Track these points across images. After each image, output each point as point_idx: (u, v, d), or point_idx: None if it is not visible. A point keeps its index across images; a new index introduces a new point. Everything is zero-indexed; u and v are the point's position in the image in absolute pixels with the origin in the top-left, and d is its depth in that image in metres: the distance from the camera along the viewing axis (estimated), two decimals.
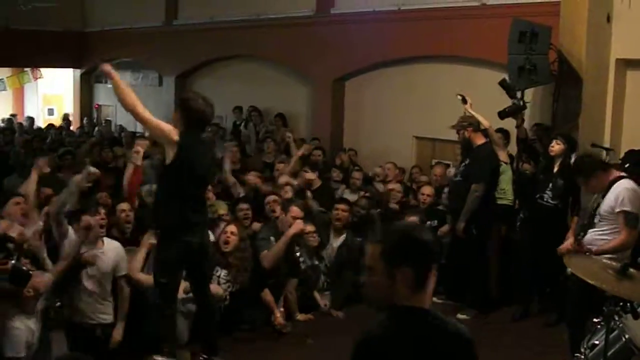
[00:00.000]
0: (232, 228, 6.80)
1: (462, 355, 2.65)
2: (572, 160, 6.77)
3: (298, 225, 7.07)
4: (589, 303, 5.13)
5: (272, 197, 7.77)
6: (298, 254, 7.37)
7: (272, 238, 7.13)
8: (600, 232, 5.64)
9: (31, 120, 18.40)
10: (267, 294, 6.99)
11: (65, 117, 18.38)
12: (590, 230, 5.70)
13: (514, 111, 7.71)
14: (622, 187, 5.50)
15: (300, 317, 7.31)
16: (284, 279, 7.19)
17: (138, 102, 5.35)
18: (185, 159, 5.30)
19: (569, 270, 5.65)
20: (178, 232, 5.45)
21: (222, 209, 7.52)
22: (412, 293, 2.57)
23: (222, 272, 6.72)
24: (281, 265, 7.10)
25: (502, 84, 8.07)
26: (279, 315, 6.94)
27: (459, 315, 7.47)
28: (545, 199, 7.22)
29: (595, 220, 5.68)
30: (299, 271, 7.33)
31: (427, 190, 8.58)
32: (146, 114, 5.39)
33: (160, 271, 5.59)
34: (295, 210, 7.40)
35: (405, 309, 2.58)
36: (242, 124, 13.76)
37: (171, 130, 5.34)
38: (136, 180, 7.53)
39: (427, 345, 2.55)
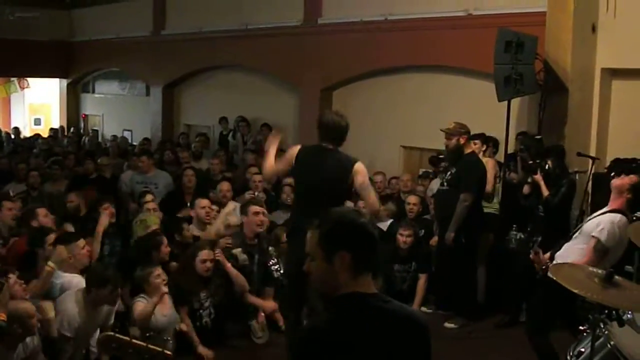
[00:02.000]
0: (206, 255, 6.70)
1: (412, 338, 2.61)
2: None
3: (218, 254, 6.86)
4: (558, 311, 5.17)
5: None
6: (274, 260, 7.36)
7: (233, 252, 7.06)
8: (574, 247, 5.60)
9: (17, 130, 18.35)
10: (250, 297, 6.98)
11: (53, 131, 18.31)
12: (566, 244, 5.68)
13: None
14: (608, 219, 5.44)
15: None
16: (259, 287, 7.16)
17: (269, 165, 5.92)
18: (296, 171, 5.84)
19: (538, 275, 5.67)
20: (290, 236, 5.98)
21: (154, 223, 7.44)
22: (352, 278, 2.56)
23: (202, 293, 6.71)
24: (254, 274, 7.10)
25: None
26: (261, 319, 6.99)
27: (447, 324, 7.49)
28: (540, 210, 7.27)
29: (576, 234, 5.69)
30: (271, 279, 7.28)
31: (413, 199, 8.59)
32: (273, 168, 5.93)
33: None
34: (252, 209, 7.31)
35: (346, 296, 2.56)
36: (229, 134, 13.75)
37: (291, 155, 5.84)
38: None
39: (373, 329, 2.52)
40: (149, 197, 8.41)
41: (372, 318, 2.54)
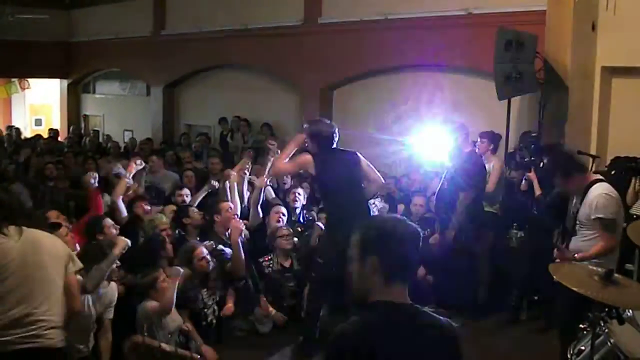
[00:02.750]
0: (202, 252, 6.70)
1: (442, 350, 2.64)
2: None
3: (236, 225, 6.98)
4: (580, 309, 5.16)
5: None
6: (269, 256, 7.38)
7: (220, 247, 7.11)
8: (583, 239, 5.63)
9: (17, 130, 18.32)
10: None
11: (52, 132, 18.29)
12: (573, 238, 5.71)
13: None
14: (596, 194, 5.45)
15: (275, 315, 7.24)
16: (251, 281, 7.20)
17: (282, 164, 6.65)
18: (324, 175, 6.44)
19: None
20: (331, 230, 6.49)
21: (163, 223, 7.47)
22: (384, 285, 2.60)
23: (203, 292, 6.72)
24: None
25: None
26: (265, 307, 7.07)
27: None
28: (534, 209, 7.28)
29: (577, 228, 5.69)
30: (262, 274, 7.32)
31: (420, 200, 8.56)
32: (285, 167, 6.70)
33: None
34: (224, 205, 7.39)
35: (377, 303, 2.60)
36: (229, 134, 13.74)
37: (305, 162, 6.49)
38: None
39: (401, 339, 2.54)
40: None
41: (401, 328, 2.58)
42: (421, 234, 2.70)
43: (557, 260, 5.73)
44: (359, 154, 6.57)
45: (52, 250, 4.20)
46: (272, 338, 6.98)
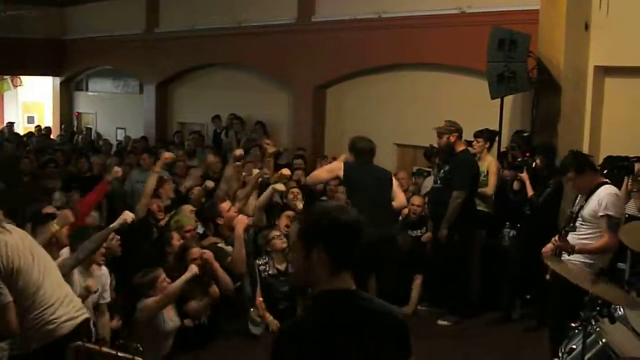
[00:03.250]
0: (195, 253, 6.61)
1: (392, 335, 2.59)
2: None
3: (242, 219, 6.73)
4: (571, 308, 5.17)
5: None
6: (264, 259, 7.34)
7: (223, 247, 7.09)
8: (582, 236, 5.67)
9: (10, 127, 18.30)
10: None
11: (40, 129, 18.23)
12: (571, 233, 5.73)
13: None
14: (606, 192, 5.58)
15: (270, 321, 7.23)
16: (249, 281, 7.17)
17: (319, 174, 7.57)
18: (353, 182, 7.04)
19: (548, 276, 5.75)
20: None
21: (190, 223, 7.45)
22: (330, 275, 2.52)
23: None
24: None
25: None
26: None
27: (440, 322, 7.51)
28: (527, 208, 7.29)
29: (577, 224, 5.72)
30: (255, 278, 7.25)
31: (417, 200, 8.50)
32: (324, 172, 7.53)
33: None
34: (224, 206, 7.29)
35: (324, 293, 2.53)
36: (222, 132, 13.72)
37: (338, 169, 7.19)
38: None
39: (353, 327, 2.49)
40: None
41: (349, 315, 2.51)
42: (361, 219, 2.61)
43: (547, 250, 5.77)
44: (392, 174, 7.52)
45: (34, 241, 4.36)
46: (264, 340, 6.90)
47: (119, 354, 3.54)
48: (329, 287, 2.53)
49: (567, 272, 4.04)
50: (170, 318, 6.12)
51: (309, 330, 2.48)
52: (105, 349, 3.59)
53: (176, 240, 6.82)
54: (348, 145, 7.37)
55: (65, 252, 5.65)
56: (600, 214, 5.51)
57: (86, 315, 4.35)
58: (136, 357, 3.54)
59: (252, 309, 7.04)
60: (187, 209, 8.01)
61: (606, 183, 5.74)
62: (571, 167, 5.82)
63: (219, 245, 7.02)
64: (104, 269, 6.06)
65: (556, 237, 5.73)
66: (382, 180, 7.15)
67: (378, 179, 7.12)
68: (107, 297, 6.02)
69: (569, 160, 5.96)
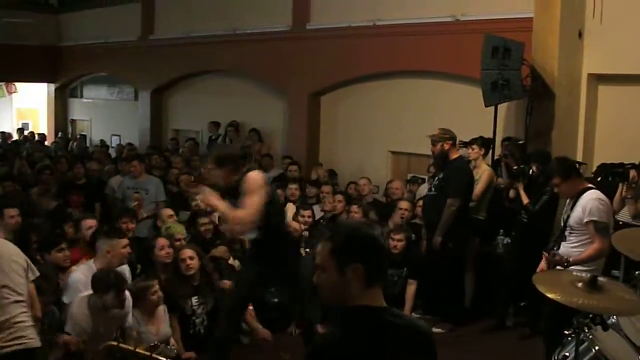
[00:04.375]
0: (188, 253, 6.70)
1: (420, 351, 2.64)
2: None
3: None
4: (565, 315, 5.17)
5: None
6: None
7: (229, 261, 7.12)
8: (572, 245, 5.69)
9: (3, 135, 18.28)
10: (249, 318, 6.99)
11: (34, 135, 18.22)
12: (563, 244, 5.75)
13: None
14: (589, 198, 5.61)
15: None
16: None
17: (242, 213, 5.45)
18: None
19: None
20: None
21: (180, 232, 7.48)
22: (364, 290, 2.56)
23: (193, 299, 6.70)
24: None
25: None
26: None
27: (434, 329, 7.47)
28: (522, 215, 7.30)
29: (566, 233, 5.74)
30: None
31: (405, 204, 8.58)
32: (250, 211, 5.43)
33: None
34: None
35: (358, 309, 2.57)
36: (218, 138, 13.70)
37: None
38: None
39: (383, 343, 2.52)
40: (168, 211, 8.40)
41: (384, 333, 2.55)
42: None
43: (542, 268, 5.77)
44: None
45: (13, 255, 4.34)
46: (253, 349, 6.94)
47: (154, 355, 3.54)
48: (362, 303, 2.57)
49: (555, 290, 4.02)
50: (152, 332, 6.08)
51: (343, 349, 2.49)
52: (139, 350, 3.59)
53: (159, 249, 6.82)
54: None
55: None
56: (586, 220, 5.55)
57: (24, 346, 4.19)
58: None
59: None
60: (167, 213, 8.04)
61: (590, 188, 5.75)
62: (556, 173, 5.87)
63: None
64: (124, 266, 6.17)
65: (545, 254, 5.74)
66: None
67: None
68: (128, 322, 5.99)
69: (554, 166, 6.02)
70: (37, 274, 4.71)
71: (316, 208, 9.32)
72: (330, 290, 2.62)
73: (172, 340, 6.32)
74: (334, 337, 2.59)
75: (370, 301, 2.58)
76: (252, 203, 5.34)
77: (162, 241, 6.88)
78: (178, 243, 7.24)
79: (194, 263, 6.65)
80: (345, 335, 2.54)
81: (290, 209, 9.00)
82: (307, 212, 8.78)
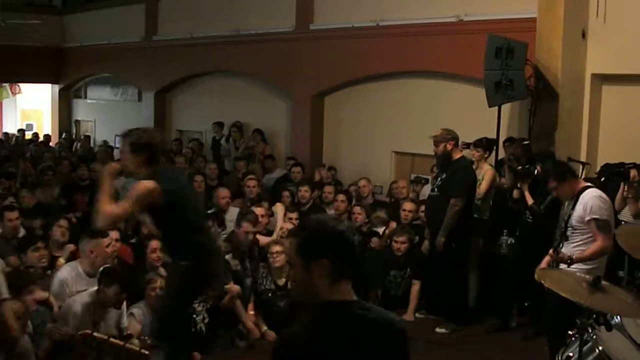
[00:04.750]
0: None
1: (391, 344, 2.61)
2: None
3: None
4: (568, 315, 5.17)
5: None
6: (262, 274, 7.34)
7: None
8: (575, 244, 5.70)
9: (7, 135, 18.34)
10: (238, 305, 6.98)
11: (37, 137, 18.26)
12: (565, 243, 5.77)
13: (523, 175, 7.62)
14: (590, 196, 5.64)
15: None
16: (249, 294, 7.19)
17: (109, 208, 4.88)
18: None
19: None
20: None
21: None
22: (331, 286, 2.55)
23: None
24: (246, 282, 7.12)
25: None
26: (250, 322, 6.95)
27: (438, 329, 7.49)
28: (527, 215, 7.29)
29: (568, 233, 5.75)
30: (255, 292, 7.30)
31: (409, 206, 8.58)
32: (116, 210, 4.89)
33: None
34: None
35: (325, 304, 2.55)
36: (222, 138, 13.71)
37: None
38: None
39: (352, 337, 2.51)
40: None
41: (351, 326, 2.53)
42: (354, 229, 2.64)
43: (544, 265, 5.78)
44: None
45: None
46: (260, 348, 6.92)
47: (127, 345, 3.55)
48: (330, 298, 2.56)
49: (560, 286, 4.03)
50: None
51: (306, 341, 2.49)
52: (113, 340, 3.60)
53: (151, 252, 6.80)
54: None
55: None
56: (587, 218, 5.58)
57: None
58: (142, 350, 3.54)
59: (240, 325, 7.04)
60: None
61: (589, 187, 5.77)
62: (552, 177, 5.90)
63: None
64: None
65: (551, 252, 5.76)
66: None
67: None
68: (123, 323, 6.06)
69: (549, 170, 6.05)
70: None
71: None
72: (299, 286, 2.63)
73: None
74: (300, 330, 2.58)
75: (339, 295, 2.56)
76: (123, 206, 4.87)
77: (154, 244, 6.79)
78: None
79: None
80: (311, 328, 2.54)
81: (280, 209, 8.97)
82: (294, 215, 8.62)
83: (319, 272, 2.53)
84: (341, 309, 2.56)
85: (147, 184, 4.81)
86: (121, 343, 3.56)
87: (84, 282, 6.17)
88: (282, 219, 8.62)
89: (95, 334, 3.62)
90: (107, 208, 4.84)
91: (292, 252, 2.61)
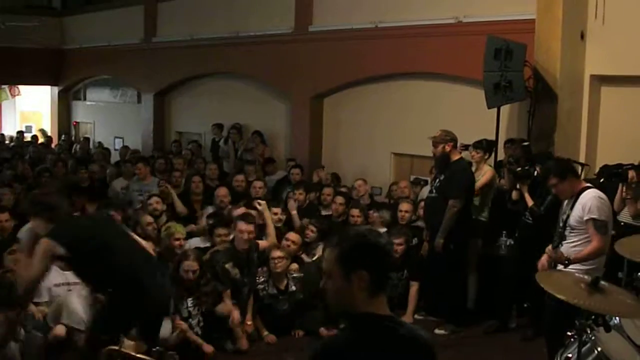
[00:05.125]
0: (193, 266, 6.67)
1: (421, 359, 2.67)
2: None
3: None
4: (566, 316, 5.18)
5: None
6: (262, 279, 7.34)
7: (226, 266, 7.03)
8: (572, 244, 5.71)
9: (2, 137, 18.34)
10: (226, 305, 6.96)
11: (37, 138, 18.26)
12: (563, 243, 5.77)
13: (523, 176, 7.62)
14: (589, 197, 5.65)
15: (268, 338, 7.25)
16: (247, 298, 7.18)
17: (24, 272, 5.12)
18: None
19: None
20: None
21: (179, 231, 7.47)
22: (369, 297, 2.59)
23: (189, 300, 6.71)
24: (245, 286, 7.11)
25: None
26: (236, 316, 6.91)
27: (437, 331, 7.49)
28: (527, 216, 7.29)
29: (566, 233, 5.76)
30: (256, 296, 7.30)
31: (406, 206, 8.59)
32: (34, 268, 4.99)
33: None
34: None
35: (363, 316, 2.59)
36: (222, 140, 13.71)
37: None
38: None
39: (386, 352, 2.55)
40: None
41: (387, 341, 2.57)
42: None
43: (543, 263, 5.79)
44: None
45: None
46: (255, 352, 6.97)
47: None
48: (367, 311, 2.60)
49: (558, 288, 4.03)
50: None
51: (347, 354, 2.52)
52: (139, 355, 3.60)
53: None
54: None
55: None
56: (586, 218, 5.59)
57: None
58: None
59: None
60: (146, 220, 8.02)
61: (589, 188, 5.78)
62: (553, 173, 5.89)
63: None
64: None
65: (550, 248, 5.77)
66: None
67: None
68: None
69: (551, 166, 6.05)
70: None
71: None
72: (336, 297, 2.64)
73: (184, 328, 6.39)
74: (342, 340, 2.62)
75: (376, 309, 2.61)
76: (35, 269, 4.96)
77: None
78: (177, 243, 7.26)
79: (196, 274, 6.67)
80: (353, 340, 2.57)
81: (264, 205, 8.96)
82: (277, 209, 8.58)
83: (359, 284, 2.57)
84: (379, 323, 2.60)
85: (43, 244, 4.96)
86: (147, 358, 3.56)
87: (60, 276, 6.19)
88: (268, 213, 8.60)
89: (121, 349, 3.63)
90: (25, 275, 5.08)
91: (332, 262, 2.62)
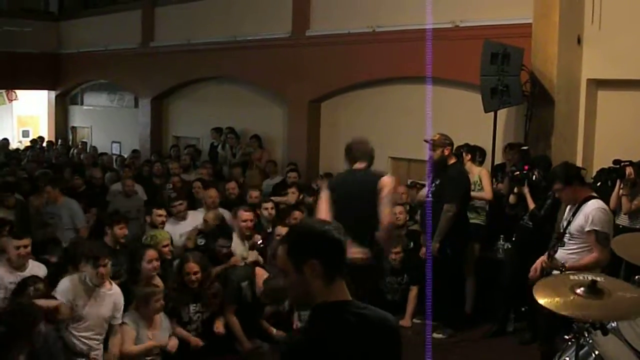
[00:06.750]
0: (194, 268, 6.67)
1: (387, 342, 2.66)
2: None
3: None
4: (563, 320, 5.18)
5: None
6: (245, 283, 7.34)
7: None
8: (570, 251, 5.71)
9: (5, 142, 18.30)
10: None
11: (40, 140, 18.27)
12: (560, 249, 5.77)
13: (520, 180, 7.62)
14: (592, 207, 5.61)
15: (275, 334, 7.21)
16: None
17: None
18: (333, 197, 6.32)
19: None
20: None
21: (165, 238, 7.43)
22: (326, 285, 2.57)
23: (192, 306, 6.71)
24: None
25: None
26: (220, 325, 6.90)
27: (435, 335, 7.48)
28: (525, 220, 7.30)
29: (565, 239, 5.75)
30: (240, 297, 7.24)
31: (398, 209, 8.57)
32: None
33: None
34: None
35: (322, 306, 2.58)
36: (220, 145, 13.72)
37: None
38: None
39: (351, 337, 2.54)
40: (160, 211, 8.35)
41: (350, 326, 2.56)
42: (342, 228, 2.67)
43: (536, 267, 5.79)
44: (384, 179, 6.40)
45: None
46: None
47: None
48: (326, 299, 2.58)
49: (553, 299, 4.00)
50: (148, 336, 6.16)
51: (312, 347, 2.52)
52: None
53: (147, 263, 6.64)
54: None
55: None
56: (588, 229, 5.56)
57: None
58: None
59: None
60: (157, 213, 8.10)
61: (593, 197, 5.76)
62: (558, 178, 5.88)
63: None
64: (115, 289, 6.10)
65: (545, 258, 5.77)
66: (363, 191, 6.26)
67: (359, 190, 6.29)
68: (119, 317, 6.09)
69: (557, 171, 6.03)
70: None
71: None
72: (294, 291, 2.65)
73: (172, 341, 6.36)
74: (301, 336, 2.65)
75: (334, 296, 2.59)
76: None
77: (151, 254, 6.67)
78: (166, 249, 7.24)
79: (198, 276, 6.67)
80: (312, 332, 2.57)
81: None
82: (269, 205, 8.65)
83: (311, 274, 2.55)
84: (339, 310, 2.58)
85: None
86: None
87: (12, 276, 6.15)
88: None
89: None
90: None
91: (283, 258, 2.63)
